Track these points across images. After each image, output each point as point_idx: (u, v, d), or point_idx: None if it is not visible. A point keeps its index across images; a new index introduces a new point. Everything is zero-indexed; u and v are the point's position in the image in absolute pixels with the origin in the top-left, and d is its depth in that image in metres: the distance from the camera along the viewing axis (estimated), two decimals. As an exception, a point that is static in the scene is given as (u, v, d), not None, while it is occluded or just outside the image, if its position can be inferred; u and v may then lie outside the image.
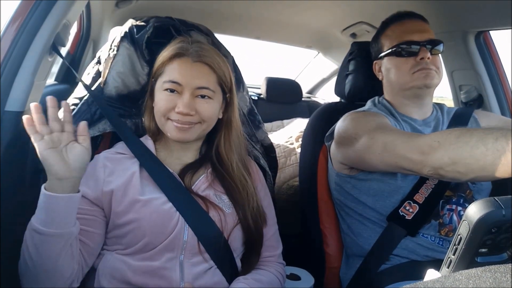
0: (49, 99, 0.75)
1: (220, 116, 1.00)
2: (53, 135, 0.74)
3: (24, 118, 0.72)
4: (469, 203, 0.74)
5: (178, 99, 0.90)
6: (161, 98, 0.92)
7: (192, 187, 0.95)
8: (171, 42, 0.97)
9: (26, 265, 0.77)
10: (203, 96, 0.92)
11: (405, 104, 1.21)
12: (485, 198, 0.58)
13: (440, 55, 1.19)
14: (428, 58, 1.12)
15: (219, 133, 1.01)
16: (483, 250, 0.58)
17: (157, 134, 1.00)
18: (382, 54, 1.23)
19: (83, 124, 0.79)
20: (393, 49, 1.18)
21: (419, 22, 1.20)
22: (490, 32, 1.57)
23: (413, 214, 1.08)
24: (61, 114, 0.77)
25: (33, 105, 0.73)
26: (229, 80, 0.98)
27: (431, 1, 1.50)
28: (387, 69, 1.22)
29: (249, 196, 0.98)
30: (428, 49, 1.13)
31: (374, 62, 1.29)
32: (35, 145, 0.73)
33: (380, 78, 1.28)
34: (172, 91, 0.91)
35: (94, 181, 0.89)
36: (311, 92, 3.55)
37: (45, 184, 0.75)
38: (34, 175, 0.82)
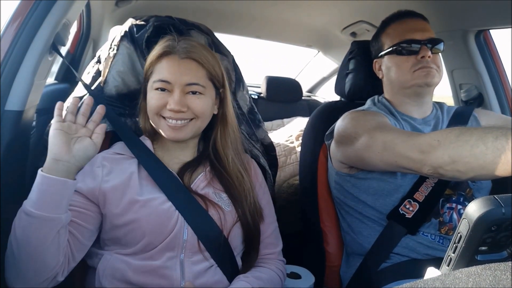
0: (88, 98, 0.83)
1: (215, 112, 1.00)
2: (73, 124, 0.80)
3: (59, 103, 0.79)
4: (469, 202, 0.74)
5: (169, 97, 0.90)
6: (152, 97, 0.92)
7: (191, 186, 0.95)
8: (158, 42, 0.97)
9: (11, 251, 0.75)
10: (194, 92, 0.92)
11: (405, 102, 1.21)
12: (485, 196, 0.58)
13: (440, 54, 1.19)
14: (429, 56, 1.12)
15: (215, 129, 1.01)
16: (483, 248, 0.58)
17: (154, 134, 1.00)
18: (383, 52, 1.22)
19: (103, 126, 0.84)
20: (394, 47, 1.18)
21: (420, 21, 1.20)
22: (490, 31, 1.57)
23: (413, 212, 1.08)
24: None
25: (74, 99, 0.82)
26: (221, 75, 0.98)
27: (431, 1, 1.50)
28: (387, 67, 1.22)
29: (246, 192, 0.98)
30: (429, 48, 1.13)
31: (374, 60, 1.29)
32: (53, 122, 0.77)
33: (380, 76, 1.28)
34: (162, 90, 0.91)
35: (91, 178, 0.89)
36: (311, 91, 3.55)
37: (42, 167, 0.76)
38: (34, 175, 0.82)
